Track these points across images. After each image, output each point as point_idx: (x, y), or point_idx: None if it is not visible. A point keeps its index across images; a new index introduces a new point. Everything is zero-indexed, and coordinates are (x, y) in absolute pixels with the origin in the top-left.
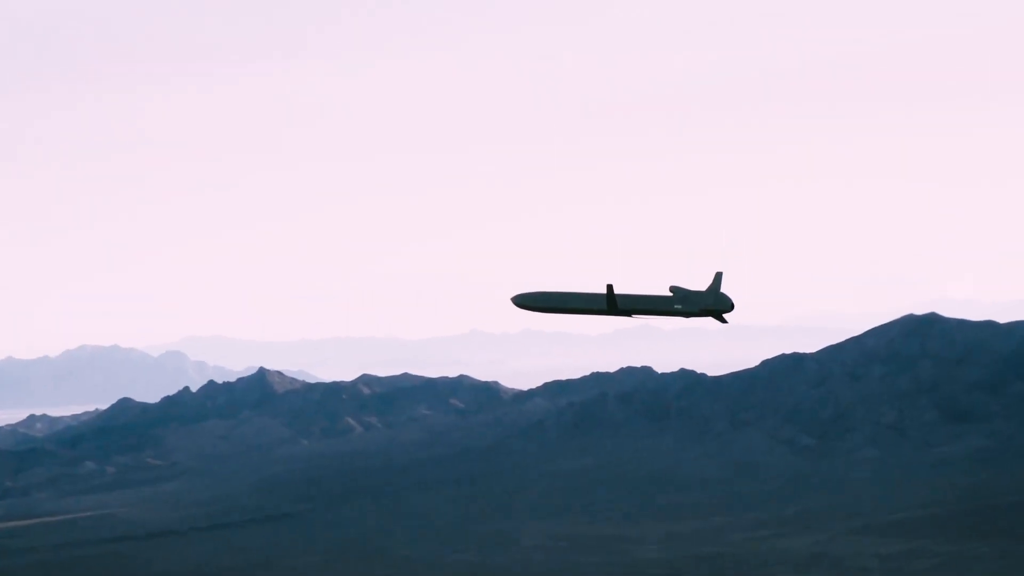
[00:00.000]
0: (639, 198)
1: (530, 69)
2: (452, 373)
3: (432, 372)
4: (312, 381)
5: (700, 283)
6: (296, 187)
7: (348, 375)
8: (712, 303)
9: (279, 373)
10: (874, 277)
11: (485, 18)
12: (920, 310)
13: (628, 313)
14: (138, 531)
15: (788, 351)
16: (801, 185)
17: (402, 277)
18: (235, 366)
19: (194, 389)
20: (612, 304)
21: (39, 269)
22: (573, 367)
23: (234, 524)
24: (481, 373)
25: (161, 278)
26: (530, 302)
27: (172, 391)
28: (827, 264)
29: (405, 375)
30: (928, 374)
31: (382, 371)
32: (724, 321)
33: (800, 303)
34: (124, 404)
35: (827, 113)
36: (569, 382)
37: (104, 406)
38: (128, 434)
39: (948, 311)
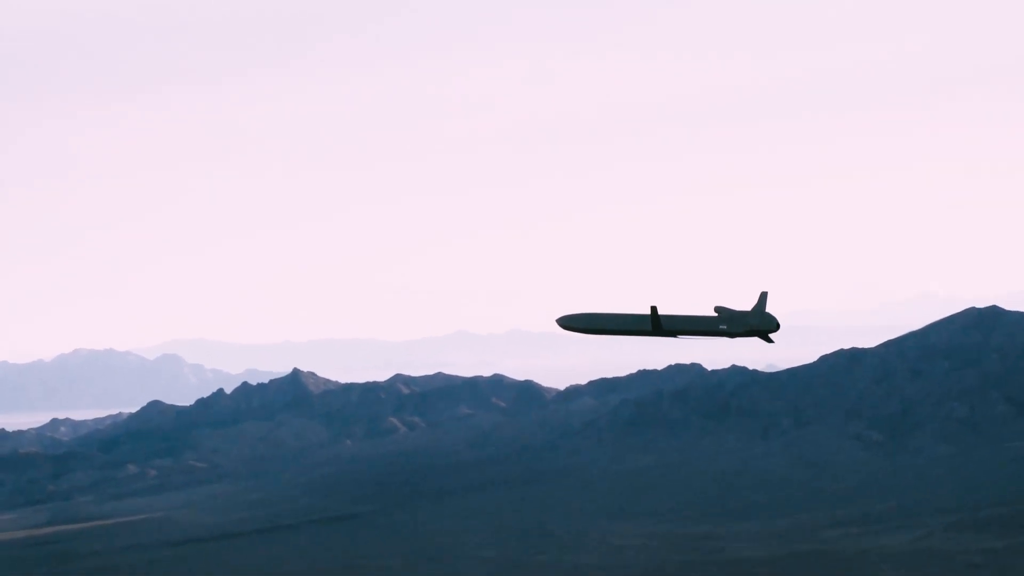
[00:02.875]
0: (649, 209)
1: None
2: (466, 373)
3: (426, 371)
4: (344, 382)
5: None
6: (274, 194)
7: (342, 376)
8: (758, 323)
9: (312, 374)
10: (925, 273)
11: (511, 24)
12: (981, 303)
13: (673, 334)
14: (202, 533)
15: (846, 347)
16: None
17: (381, 281)
18: (232, 369)
19: (194, 391)
20: (657, 325)
21: (25, 274)
22: (617, 365)
23: (299, 526)
24: (490, 371)
25: (142, 283)
26: (575, 323)
27: (174, 394)
28: (868, 262)
29: (439, 375)
30: (995, 368)
31: (383, 373)
32: (770, 341)
33: (831, 301)
34: (155, 407)
35: (856, 109)
36: (616, 380)
37: (124, 410)
38: (164, 437)
39: (1010, 304)
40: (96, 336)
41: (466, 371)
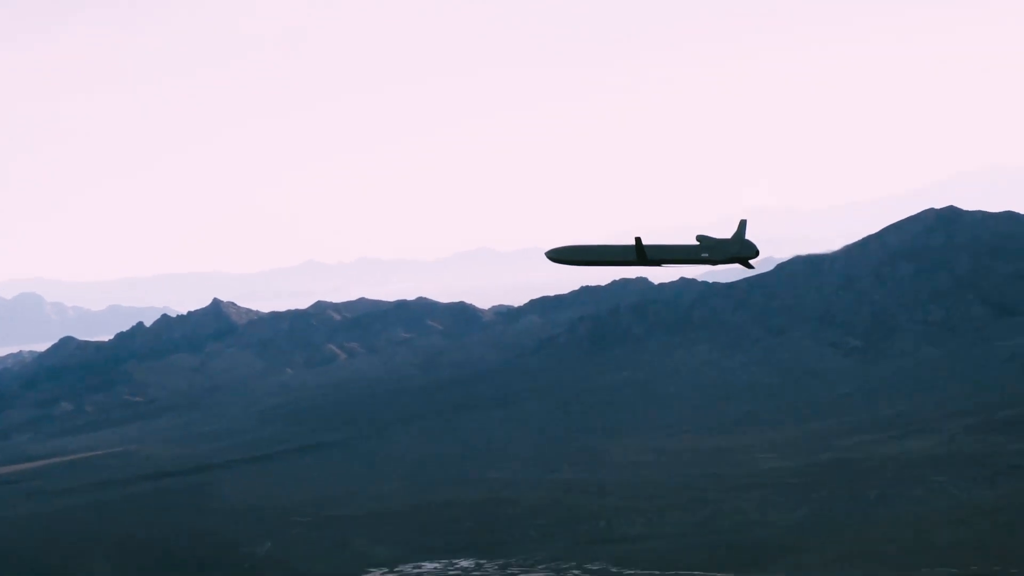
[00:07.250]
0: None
1: None
2: (330, 299)
3: (303, 301)
4: (267, 311)
5: None
6: (97, 129)
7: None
8: (738, 251)
9: (233, 304)
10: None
11: None
12: (938, 204)
13: (658, 263)
14: (174, 467)
15: (802, 253)
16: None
17: (221, 212)
18: (93, 305)
19: (60, 328)
20: (642, 255)
21: None
22: (557, 283)
23: (275, 455)
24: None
25: None
26: (564, 256)
27: (43, 332)
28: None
29: (363, 300)
30: (965, 269)
31: (278, 303)
32: (751, 267)
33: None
34: (70, 343)
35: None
36: (560, 298)
37: (16, 348)
38: (89, 373)
39: (964, 203)
40: None
41: (296, 301)
